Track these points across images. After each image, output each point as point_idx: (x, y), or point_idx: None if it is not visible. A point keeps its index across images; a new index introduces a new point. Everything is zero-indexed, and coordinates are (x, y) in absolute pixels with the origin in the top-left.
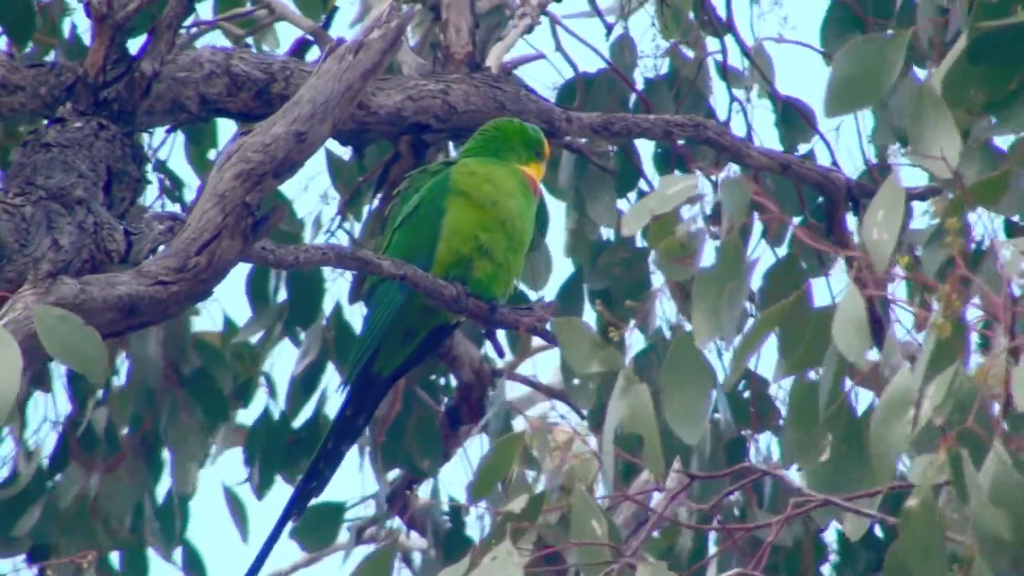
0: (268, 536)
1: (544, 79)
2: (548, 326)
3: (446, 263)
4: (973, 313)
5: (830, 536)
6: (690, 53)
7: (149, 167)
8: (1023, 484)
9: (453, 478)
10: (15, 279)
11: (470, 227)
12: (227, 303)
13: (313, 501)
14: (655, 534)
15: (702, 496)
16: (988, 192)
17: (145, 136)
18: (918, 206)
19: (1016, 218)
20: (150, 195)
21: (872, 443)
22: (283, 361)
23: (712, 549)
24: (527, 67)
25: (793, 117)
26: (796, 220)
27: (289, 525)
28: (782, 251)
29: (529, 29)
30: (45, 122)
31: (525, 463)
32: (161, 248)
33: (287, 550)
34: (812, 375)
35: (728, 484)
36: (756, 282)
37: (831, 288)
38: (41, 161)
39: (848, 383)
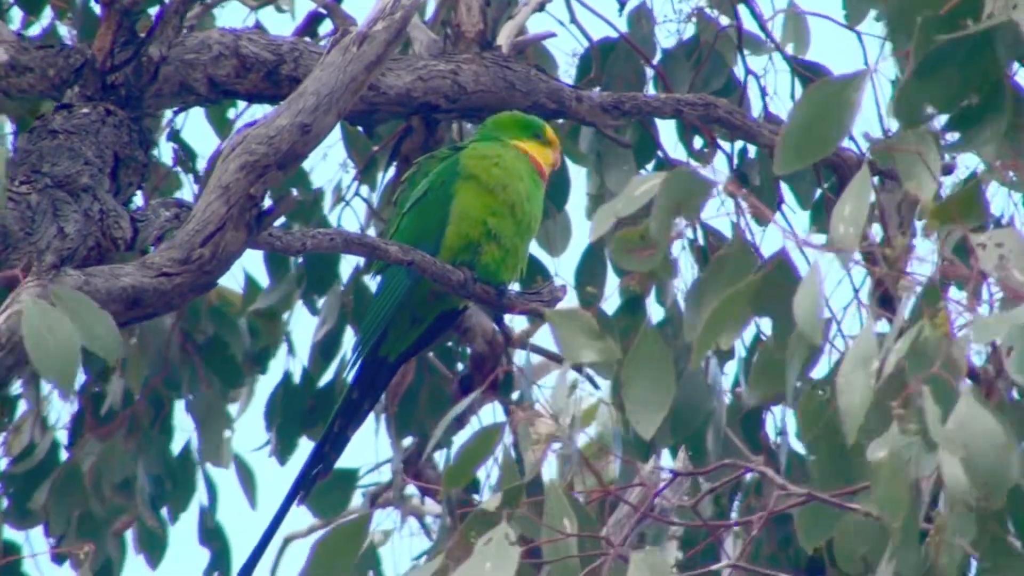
0: (273, 517)
1: (565, 50)
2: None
3: (454, 248)
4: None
5: None
6: (715, 15)
7: (156, 151)
8: (986, 422)
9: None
10: (21, 267)
11: (478, 211)
12: (250, 268)
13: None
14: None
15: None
16: (961, 207)
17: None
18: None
19: None
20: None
21: (838, 396)
22: (301, 327)
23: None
24: (548, 42)
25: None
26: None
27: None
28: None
29: (540, 7)
30: (53, 106)
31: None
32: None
33: (303, 513)
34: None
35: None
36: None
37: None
38: (47, 148)
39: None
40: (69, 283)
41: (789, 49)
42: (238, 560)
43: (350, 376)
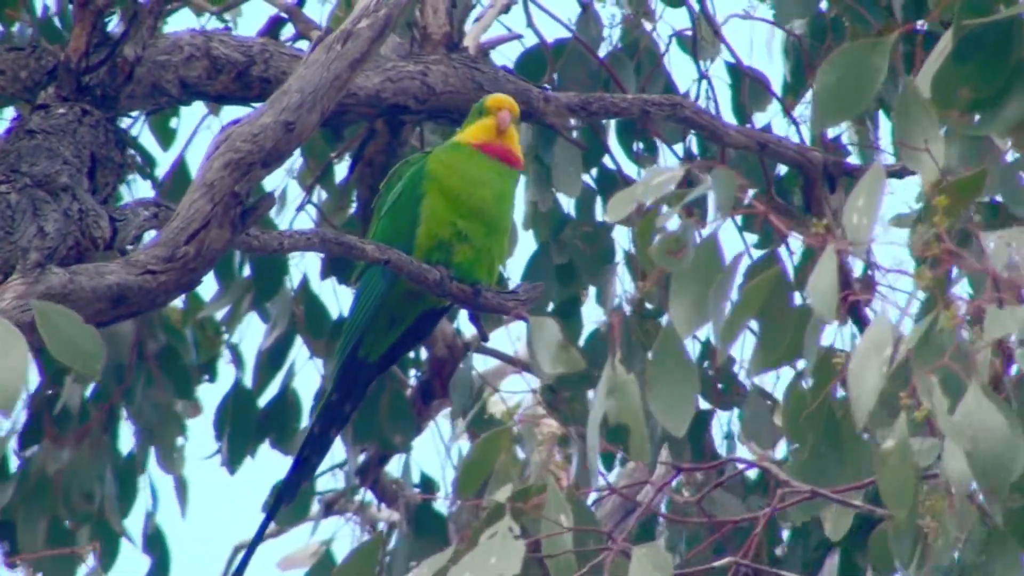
0: (260, 526)
1: (511, 56)
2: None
3: (426, 247)
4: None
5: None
6: (647, 25)
7: (131, 151)
8: (993, 416)
9: (424, 451)
10: (1, 266)
11: (447, 213)
12: None
13: (281, 477)
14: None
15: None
16: (967, 189)
17: None
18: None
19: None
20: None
21: (850, 386)
22: (251, 335)
23: (679, 537)
24: (504, 47)
25: (751, 87)
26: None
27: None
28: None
29: (506, 9)
30: (29, 108)
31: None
32: (147, 234)
33: (255, 520)
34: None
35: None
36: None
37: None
38: (25, 148)
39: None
40: (54, 281)
41: (712, 54)
42: (177, 568)
43: (330, 378)
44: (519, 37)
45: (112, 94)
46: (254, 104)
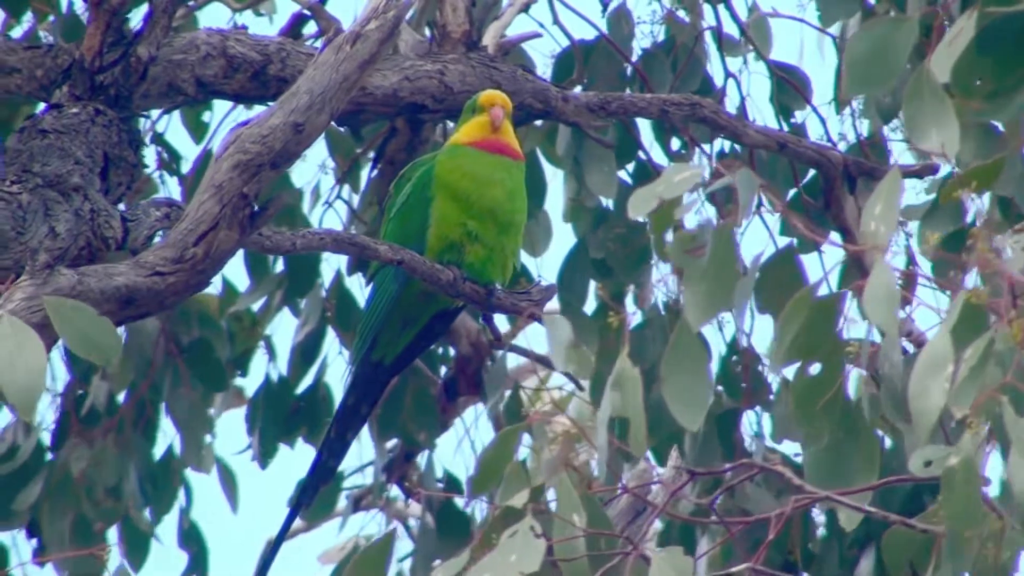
0: (279, 532)
1: (544, 51)
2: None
3: (436, 249)
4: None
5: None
6: (687, 18)
7: (145, 151)
8: None
9: (450, 449)
10: (12, 267)
11: (457, 215)
12: (226, 271)
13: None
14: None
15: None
16: (984, 176)
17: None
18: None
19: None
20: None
21: (911, 401)
22: (283, 331)
23: (703, 536)
24: (527, 43)
25: (788, 86)
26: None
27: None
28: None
29: (526, 7)
30: (41, 107)
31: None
32: (158, 236)
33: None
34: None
35: (729, 476)
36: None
37: (823, 264)
38: (38, 148)
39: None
40: (63, 282)
41: (754, 53)
42: (216, 563)
43: (346, 380)
44: (538, 35)
45: (126, 93)
46: (271, 103)
